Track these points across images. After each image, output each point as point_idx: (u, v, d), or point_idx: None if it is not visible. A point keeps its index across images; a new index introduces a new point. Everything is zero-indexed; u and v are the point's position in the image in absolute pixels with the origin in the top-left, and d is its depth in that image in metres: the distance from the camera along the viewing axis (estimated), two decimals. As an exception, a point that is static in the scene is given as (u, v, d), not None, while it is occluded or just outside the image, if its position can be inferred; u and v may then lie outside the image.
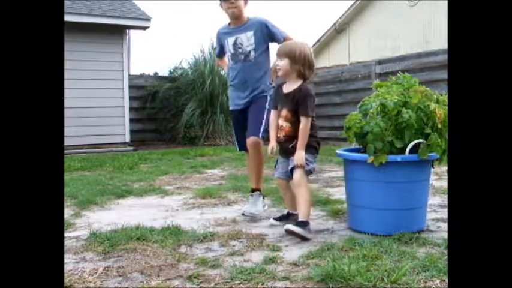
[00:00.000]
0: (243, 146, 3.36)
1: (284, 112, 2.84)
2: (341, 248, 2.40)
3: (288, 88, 2.86)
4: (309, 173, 2.78)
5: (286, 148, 2.85)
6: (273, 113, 2.98)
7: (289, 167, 2.81)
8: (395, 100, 2.66)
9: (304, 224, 2.65)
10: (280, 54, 2.83)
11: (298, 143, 2.73)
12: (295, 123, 2.78)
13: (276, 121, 2.92)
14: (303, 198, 2.72)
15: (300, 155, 2.71)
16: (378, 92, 2.88)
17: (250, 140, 3.18)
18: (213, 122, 10.17)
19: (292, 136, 2.79)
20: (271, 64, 3.29)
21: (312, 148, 2.82)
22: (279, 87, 2.96)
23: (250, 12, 3.31)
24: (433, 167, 2.85)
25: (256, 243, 2.55)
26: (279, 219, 3.00)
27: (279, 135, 2.88)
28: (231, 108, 3.50)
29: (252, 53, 3.28)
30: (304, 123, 2.73)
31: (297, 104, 2.77)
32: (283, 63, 2.81)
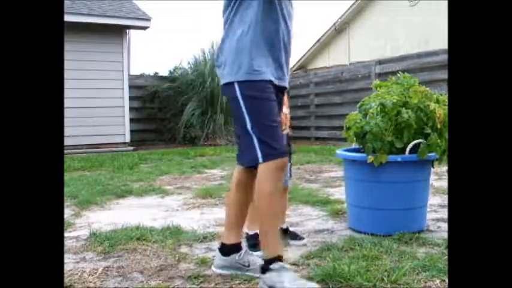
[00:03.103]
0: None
1: (285, 97, 2.29)
2: (341, 248, 2.40)
3: None
4: None
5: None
6: None
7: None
8: (394, 100, 2.66)
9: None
10: None
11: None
12: None
13: None
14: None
15: None
16: (377, 92, 2.88)
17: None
18: (213, 122, 10.17)
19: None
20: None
21: None
22: None
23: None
24: (433, 167, 2.85)
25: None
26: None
27: (286, 130, 2.39)
28: (267, 77, 1.95)
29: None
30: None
31: None
32: None
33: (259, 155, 1.91)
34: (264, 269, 1.91)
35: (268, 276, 1.88)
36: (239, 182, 2.12)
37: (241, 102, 1.94)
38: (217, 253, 2.14)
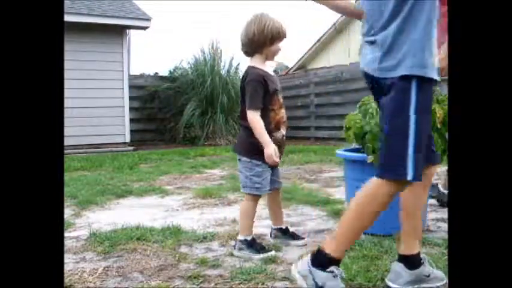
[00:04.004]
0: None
1: (281, 99, 2.46)
2: (341, 248, 2.40)
3: (269, 69, 2.49)
4: None
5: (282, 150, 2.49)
6: (256, 113, 2.30)
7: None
8: (395, 100, 2.66)
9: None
10: None
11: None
12: None
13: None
14: None
15: None
16: (378, 92, 2.87)
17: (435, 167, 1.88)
18: (213, 122, 10.17)
19: None
20: None
21: None
22: (259, 69, 2.40)
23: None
24: (433, 167, 2.85)
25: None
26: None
27: (283, 132, 2.45)
28: (432, 75, 1.69)
29: None
30: None
31: None
32: None
33: (410, 171, 1.64)
34: (320, 263, 1.74)
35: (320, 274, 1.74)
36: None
37: (414, 102, 1.61)
38: (400, 268, 1.89)
